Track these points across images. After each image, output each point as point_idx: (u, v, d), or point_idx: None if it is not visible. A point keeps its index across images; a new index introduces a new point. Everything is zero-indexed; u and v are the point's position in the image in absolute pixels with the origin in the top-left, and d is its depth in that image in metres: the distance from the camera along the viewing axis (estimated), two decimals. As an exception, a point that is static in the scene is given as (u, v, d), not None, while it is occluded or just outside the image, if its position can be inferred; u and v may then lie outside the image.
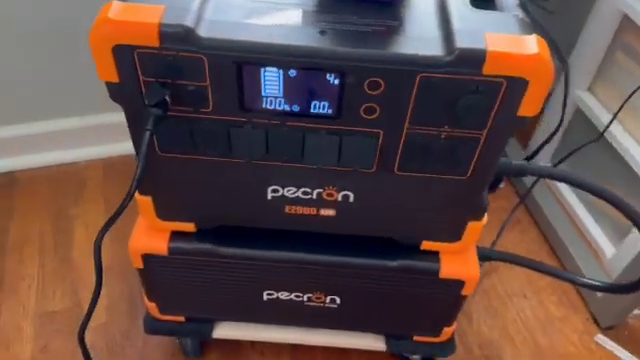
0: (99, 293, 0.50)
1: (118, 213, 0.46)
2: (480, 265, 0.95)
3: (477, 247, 0.67)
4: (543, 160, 1.04)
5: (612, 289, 0.71)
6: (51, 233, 0.99)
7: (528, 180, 1.03)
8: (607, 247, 0.95)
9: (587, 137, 0.91)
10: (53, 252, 0.96)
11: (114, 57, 0.45)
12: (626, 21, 0.84)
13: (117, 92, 0.48)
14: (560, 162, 0.92)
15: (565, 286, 0.96)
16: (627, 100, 0.78)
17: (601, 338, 0.89)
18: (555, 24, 1.04)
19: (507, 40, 0.44)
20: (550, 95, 0.99)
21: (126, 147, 1.11)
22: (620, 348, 0.88)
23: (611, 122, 0.83)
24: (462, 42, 0.44)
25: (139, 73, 0.46)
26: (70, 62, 0.98)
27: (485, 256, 0.73)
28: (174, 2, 0.45)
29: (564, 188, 1.01)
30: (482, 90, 0.45)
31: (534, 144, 1.04)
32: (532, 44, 0.44)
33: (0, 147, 1.05)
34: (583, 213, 0.97)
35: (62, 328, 0.86)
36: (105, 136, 1.08)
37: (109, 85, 0.47)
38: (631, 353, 0.88)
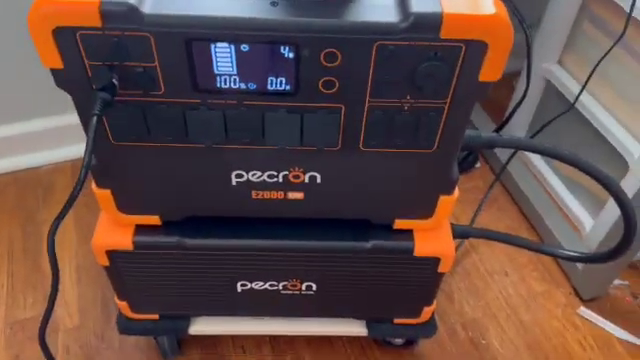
0: (57, 289, 0.48)
1: (69, 204, 0.44)
2: (460, 243, 0.95)
3: (454, 225, 0.66)
4: (518, 135, 1.04)
5: (590, 259, 0.71)
6: (19, 239, 0.95)
7: (503, 157, 1.03)
8: (586, 219, 0.95)
9: (560, 109, 0.90)
10: (22, 259, 0.93)
11: (55, 41, 0.42)
12: (591, -9, 0.84)
13: (62, 78, 0.45)
14: (534, 135, 0.92)
15: (546, 261, 0.95)
16: (594, 69, 0.77)
17: (584, 311, 0.89)
18: (522, -2, 1.04)
19: (463, 2, 0.43)
20: (520, 70, 0.98)
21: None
22: (603, 319, 0.88)
23: (580, 92, 0.82)
24: (417, 7, 0.42)
25: (83, 56, 0.44)
26: (29, 63, 0.95)
27: (463, 233, 0.72)
28: (116, -20, 0.43)
29: (540, 163, 1.01)
30: (441, 56, 0.44)
31: (510, 120, 1.03)
32: (489, 5, 0.42)
33: (-38, 154, 1.02)
34: (560, 187, 0.97)
35: (34, 335, 0.83)
36: (71, 138, 1.05)
37: (54, 72, 0.45)
38: (614, 323, 0.87)
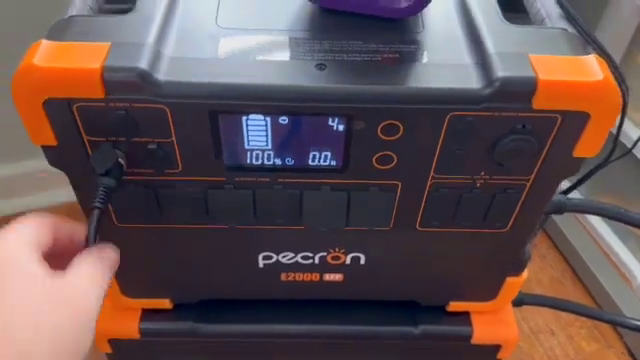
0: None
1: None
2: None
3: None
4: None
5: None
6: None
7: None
8: (637, 270, 0.86)
9: (607, 150, 0.81)
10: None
11: (46, 114, 0.34)
12: (647, 20, 0.75)
13: (57, 158, 0.37)
14: (582, 181, 0.83)
15: (595, 317, 0.86)
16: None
17: (641, 376, 0.80)
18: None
19: (560, 64, 0.34)
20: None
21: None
22: (663, 386, 0.79)
23: (640, 136, 0.73)
24: (504, 70, 0.33)
25: (82, 132, 0.35)
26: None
27: (517, 302, 0.63)
28: (123, 36, 0.34)
29: (584, 207, 0.92)
30: (530, 129, 0.35)
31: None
32: (594, 68, 0.34)
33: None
34: (609, 235, 0.88)
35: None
36: (64, 179, 0.96)
37: (46, 149, 0.36)
38: (676, 391, 0.78)
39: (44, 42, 0.34)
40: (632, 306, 0.84)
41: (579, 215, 0.92)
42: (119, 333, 0.51)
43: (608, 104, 0.34)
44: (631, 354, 0.82)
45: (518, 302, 0.63)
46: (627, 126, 0.80)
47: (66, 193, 0.97)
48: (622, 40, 0.79)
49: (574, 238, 0.91)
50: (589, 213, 0.54)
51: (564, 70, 0.34)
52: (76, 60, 0.32)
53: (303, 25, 0.38)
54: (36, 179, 0.95)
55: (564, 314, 0.86)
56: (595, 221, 0.90)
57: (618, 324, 0.66)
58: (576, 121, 0.35)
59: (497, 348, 0.53)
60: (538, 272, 0.91)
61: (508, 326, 0.52)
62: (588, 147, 0.36)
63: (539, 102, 0.34)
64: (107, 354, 0.54)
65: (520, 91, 0.33)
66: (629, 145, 0.73)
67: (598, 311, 0.67)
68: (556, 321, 0.85)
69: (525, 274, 0.49)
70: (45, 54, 0.33)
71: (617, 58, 0.81)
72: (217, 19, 0.37)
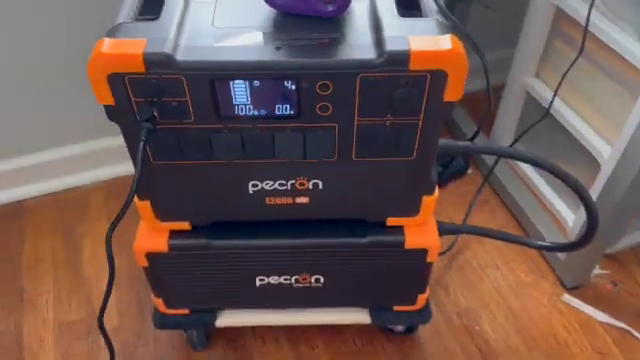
0: (112, 283, 0.60)
1: (124, 211, 0.55)
2: (453, 241, 1.05)
3: (443, 223, 0.77)
4: (505, 143, 1.14)
5: (559, 248, 0.81)
6: (62, 251, 1.08)
7: (491, 162, 1.13)
8: (568, 216, 1.04)
9: (538, 118, 1.01)
10: (65, 268, 1.05)
11: (109, 84, 0.55)
12: (560, 13, 0.95)
13: (113, 113, 0.58)
14: (514, 142, 1.02)
15: (533, 255, 1.05)
16: (562, 80, 0.88)
17: (567, 298, 0.99)
18: (500, 20, 1.15)
19: (426, 41, 0.54)
20: (504, 86, 1.10)
21: (123, 169, 1.21)
22: (585, 305, 0.97)
23: (553, 99, 0.93)
24: (390, 46, 0.53)
25: (130, 95, 0.56)
26: (65, 93, 1.08)
27: (451, 230, 0.83)
28: (154, 34, 0.55)
29: (524, 165, 1.11)
30: (411, 83, 0.55)
31: (498, 129, 1.14)
32: (446, 42, 0.54)
33: (7, 178, 1.15)
34: (544, 186, 1.07)
35: (80, 335, 0.95)
36: (103, 160, 1.18)
37: (107, 107, 0.57)
38: (595, 308, 0.97)
39: (106, 39, 0.55)
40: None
41: (520, 172, 1.11)
42: (154, 248, 0.72)
43: (457, 65, 0.54)
44: (561, 283, 1.01)
45: (452, 231, 0.84)
46: (547, 94, 0.99)
47: (105, 173, 1.19)
48: (543, 29, 0.98)
49: (516, 192, 1.10)
50: (488, 154, 0.74)
51: (428, 44, 0.54)
52: (127, 49, 0.53)
53: (269, 23, 0.58)
54: (78, 161, 1.17)
55: (507, 252, 1.05)
56: (532, 175, 1.08)
57: (530, 245, 0.85)
58: (440, 77, 0.55)
59: (425, 252, 0.73)
60: (488, 222, 1.10)
61: (431, 235, 0.72)
62: (452, 94, 0.56)
63: (413, 65, 0.54)
64: (144, 268, 0.75)
65: (400, 59, 0.53)
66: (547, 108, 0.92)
67: (518, 236, 0.86)
68: (500, 257, 1.04)
69: (436, 193, 0.69)
70: (108, 46, 0.54)
71: (541, 43, 1.01)
72: (213, 22, 0.58)
